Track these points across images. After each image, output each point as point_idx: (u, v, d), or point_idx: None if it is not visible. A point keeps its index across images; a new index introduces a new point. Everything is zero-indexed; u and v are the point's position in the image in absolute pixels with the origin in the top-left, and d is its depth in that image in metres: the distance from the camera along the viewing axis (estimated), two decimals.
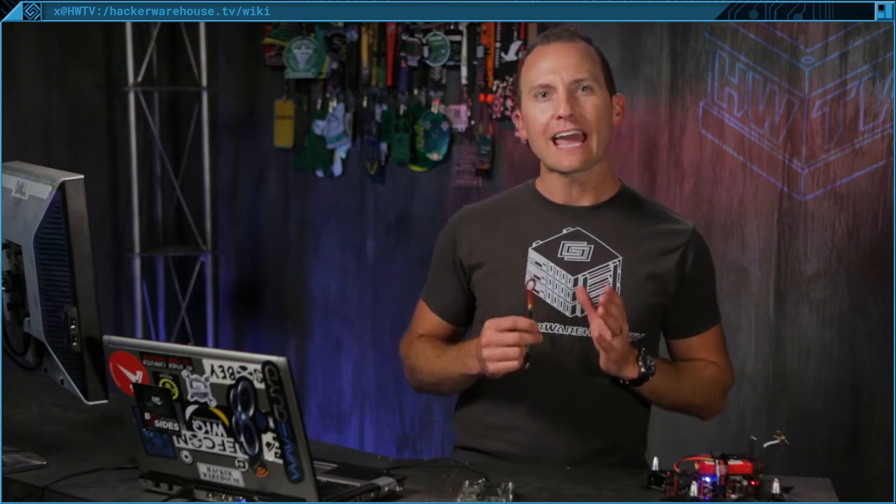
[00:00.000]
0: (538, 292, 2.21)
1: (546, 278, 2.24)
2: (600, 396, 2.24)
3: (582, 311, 2.20)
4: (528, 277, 2.24)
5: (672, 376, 2.23)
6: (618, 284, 2.22)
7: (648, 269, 2.24)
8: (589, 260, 2.24)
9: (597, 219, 2.28)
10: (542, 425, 2.25)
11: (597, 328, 2.06)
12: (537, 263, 2.26)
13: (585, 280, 2.23)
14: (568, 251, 2.26)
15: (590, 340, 2.20)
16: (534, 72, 2.24)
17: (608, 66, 2.29)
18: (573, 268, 2.24)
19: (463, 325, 2.40)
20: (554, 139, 2.22)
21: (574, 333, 2.22)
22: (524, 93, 2.27)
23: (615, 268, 2.23)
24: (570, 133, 2.20)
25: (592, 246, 2.25)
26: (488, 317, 2.26)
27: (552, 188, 2.31)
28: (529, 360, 2.09)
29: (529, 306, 2.11)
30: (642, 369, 2.15)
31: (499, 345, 2.07)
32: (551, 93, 2.22)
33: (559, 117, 2.19)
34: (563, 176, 2.26)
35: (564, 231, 2.27)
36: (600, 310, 2.04)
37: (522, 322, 2.07)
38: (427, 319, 2.41)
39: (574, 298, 2.21)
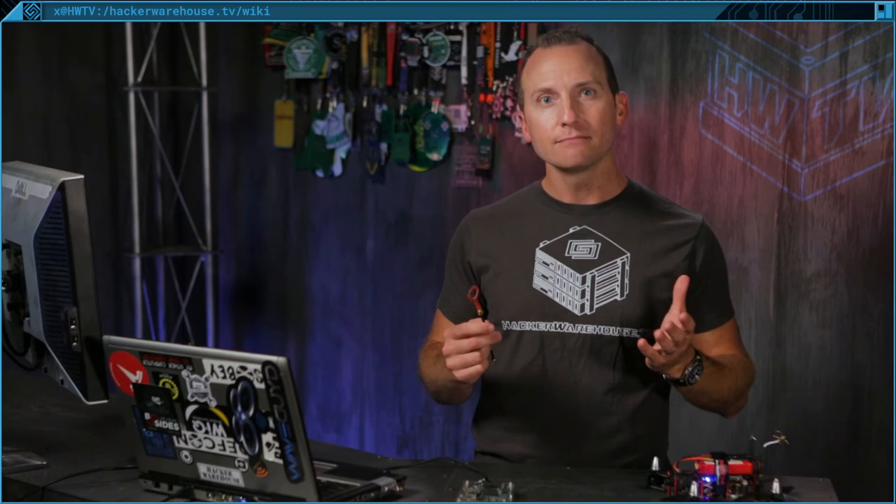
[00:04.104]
0: (473, 298, 2.18)
1: (554, 277, 2.24)
2: (613, 394, 2.24)
3: (591, 308, 2.21)
4: (535, 277, 2.25)
5: (716, 378, 2.19)
6: (626, 281, 2.22)
7: (657, 265, 2.24)
8: (597, 258, 2.25)
9: (603, 217, 2.28)
10: (555, 425, 2.25)
11: (657, 345, 2.06)
12: (545, 263, 2.26)
13: (594, 278, 2.23)
14: (575, 250, 2.26)
15: (599, 338, 2.21)
16: (535, 75, 2.23)
17: (611, 65, 2.28)
18: (581, 266, 2.24)
19: None
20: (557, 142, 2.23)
21: (584, 332, 2.22)
22: (526, 95, 2.25)
23: (623, 264, 2.23)
24: (574, 137, 2.20)
25: (600, 244, 2.26)
26: (497, 319, 2.26)
27: (558, 188, 2.31)
28: (494, 357, 2.10)
29: (479, 311, 2.12)
30: (686, 376, 2.12)
31: (459, 352, 2.06)
32: (554, 98, 2.21)
33: (563, 124, 2.19)
34: (568, 175, 2.26)
35: (571, 230, 2.28)
36: (658, 332, 2.02)
37: (475, 326, 2.05)
38: (443, 327, 2.39)
39: (583, 296, 2.22)
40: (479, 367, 2.06)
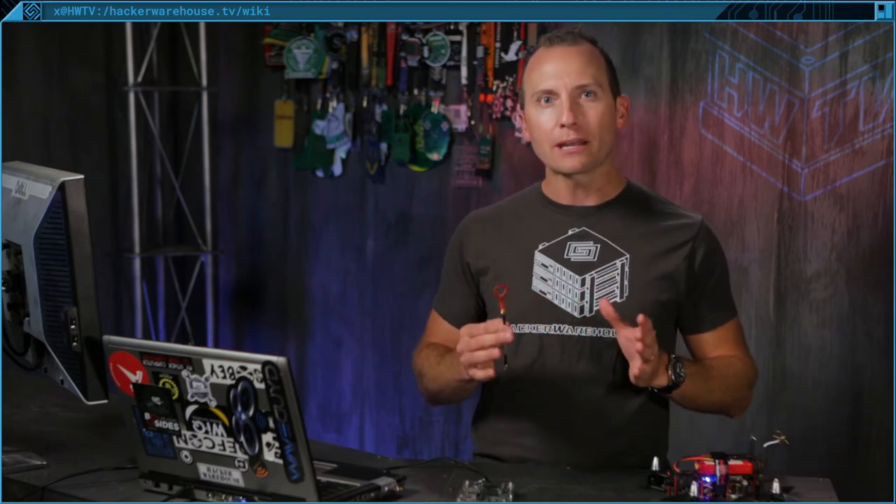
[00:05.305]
0: (500, 296, 2.13)
1: (553, 280, 2.24)
2: (612, 396, 2.23)
3: (591, 311, 2.20)
4: (534, 279, 2.25)
5: (702, 378, 2.19)
6: (625, 283, 2.22)
7: (657, 266, 2.24)
8: (596, 259, 2.24)
9: (602, 218, 2.27)
10: (554, 428, 2.24)
11: (635, 366, 2.04)
12: (544, 265, 2.25)
13: (593, 280, 2.22)
14: (574, 252, 2.25)
15: (599, 340, 2.20)
16: (536, 76, 2.23)
17: (613, 68, 2.27)
18: (580, 268, 2.24)
19: None
20: (556, 145, 2.22)
21: (583, 334, 2.21)
22: (527, 95, 2.25)
23: (622, 266, 2.23)
24: (573, 140, 2.20)
25: (599, 245, 2.25)
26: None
27: (557, 190, 2.30)
28: (507, 361, 2.08)
29: (502, 311, 2.07)
30: (672, 377, 2.12)
31: (474, 350, 2.04)
32: (554, 98, 2.20)
33: (562, 125, 2.19)
34: (567, 178, 2.26)
35: (570, 232, 2.27)
36: (638, 345, 2.00)
37: (494, 325, 2.03)
38: (439, 328, 2.39)
39: (582, 298, 2.21)
40: (489, 371, 2.03)
